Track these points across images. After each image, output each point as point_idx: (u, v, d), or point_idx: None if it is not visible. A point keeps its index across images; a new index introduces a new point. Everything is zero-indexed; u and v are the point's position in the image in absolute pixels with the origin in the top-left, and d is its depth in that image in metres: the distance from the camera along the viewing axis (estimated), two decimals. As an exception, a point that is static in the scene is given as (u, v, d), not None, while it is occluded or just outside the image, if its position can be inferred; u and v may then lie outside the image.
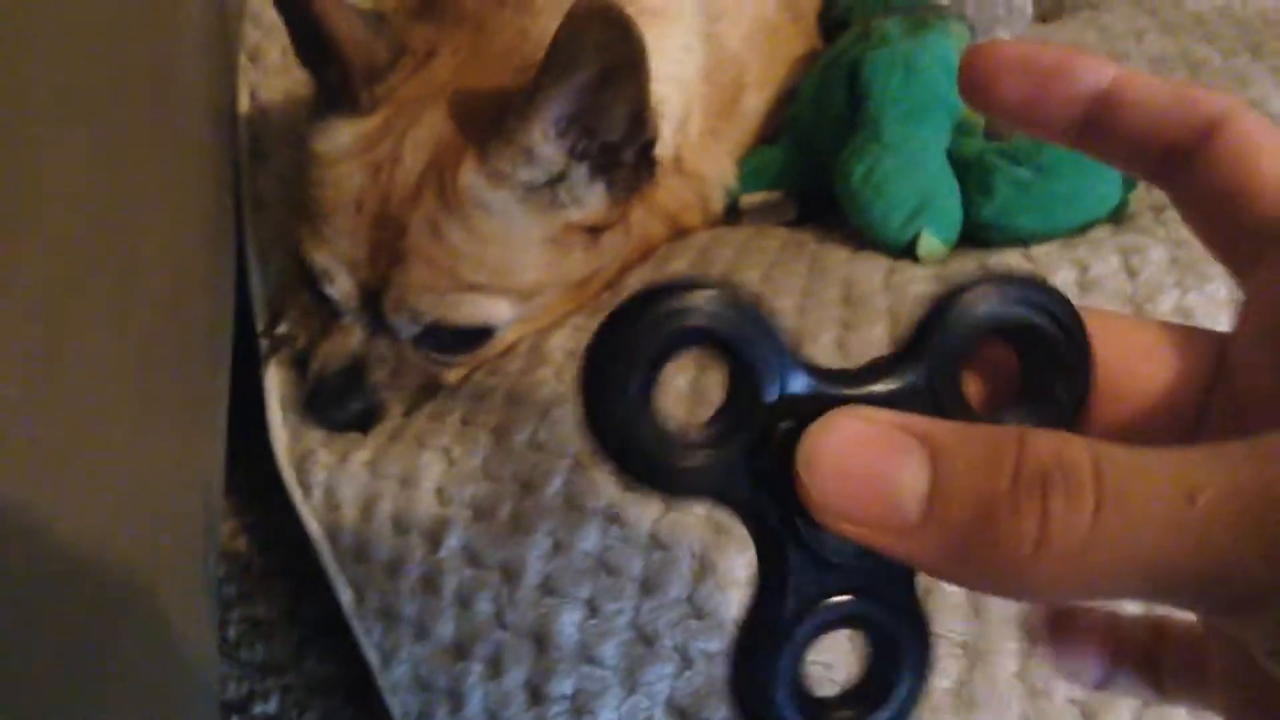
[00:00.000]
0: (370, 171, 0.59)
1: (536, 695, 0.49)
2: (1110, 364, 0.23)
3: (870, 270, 0.62)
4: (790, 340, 0.21)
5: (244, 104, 0.77)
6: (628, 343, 0.20)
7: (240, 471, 0.62)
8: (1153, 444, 0.18)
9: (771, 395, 0.21)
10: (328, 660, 0.59)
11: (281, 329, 0.65)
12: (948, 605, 0.47)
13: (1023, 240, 0.62)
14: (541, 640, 0.49)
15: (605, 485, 0.53)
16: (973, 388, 0.23)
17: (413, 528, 0.54)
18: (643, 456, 0.20)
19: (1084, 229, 0.62)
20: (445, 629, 0.51)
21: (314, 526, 0.57)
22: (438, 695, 0.51)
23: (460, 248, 0.58)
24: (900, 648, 0.22)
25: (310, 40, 0.60)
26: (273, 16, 0.60)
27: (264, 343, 0.66)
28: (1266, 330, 0.22)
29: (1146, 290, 0.57)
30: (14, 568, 0.39)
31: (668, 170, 0.67)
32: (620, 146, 0.58)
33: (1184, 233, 0.61)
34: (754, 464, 0.21)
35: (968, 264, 0.62)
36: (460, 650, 0.51)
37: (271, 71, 0.79)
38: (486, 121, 0.58)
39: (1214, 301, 0.56)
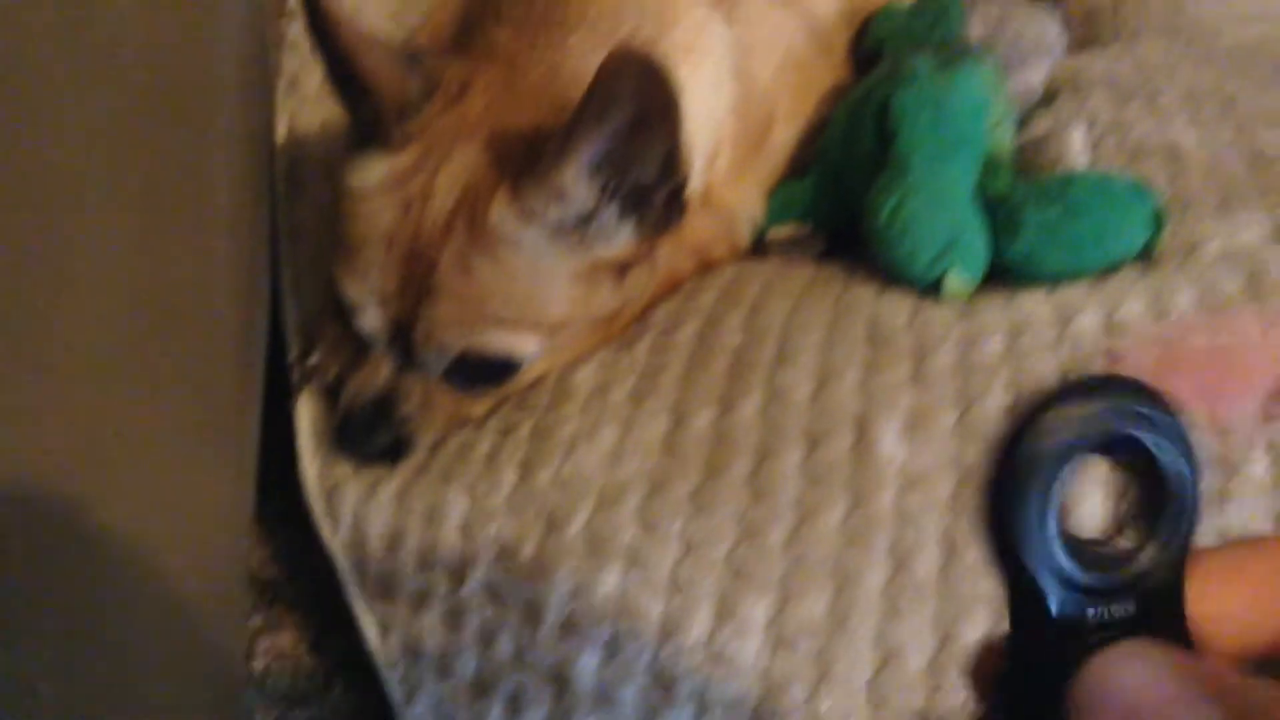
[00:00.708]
0: (402, 207, 0.60)
1: (555, 736, 0.49)
2: None
3: (896, 308, 0.62)
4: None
5: (282, 133, 0.79)
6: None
7: (271, 501, 0.63)
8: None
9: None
10: (353, 692, 0.60)
11: (313, 360, 0.66)
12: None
13: (1049, 280, 0.62)
14: (560, 681, 0.50)
15: (627, 525, 0.53)
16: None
17: (437, 563, 0.55)
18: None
19: (1111, 269, 0.62)
20: (466, 667, 0.52)
21: (341, 559, 0.58)
22: (459, 732, 0.52)
23: (489, 283, 0.59)
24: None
25: (344, 75, 0.61)
26: (310, 45, 0.62)
27: (296, 373, 0.67)
28: None
29: (1175, 332, 0.57)
30: (58, 585, 0.40)
31: (697, 205, 0.67)
32: (652, 188, 0.59)
33: (1213, 274, 0.61)
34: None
35: (994, 301, 0.62)
36: (481, 688, 0.51)
37: (309, 100, 0.80)
38: (518, 159, 0.59)
39: (1243, 348, 0.55)
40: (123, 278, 0.49)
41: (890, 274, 0.64)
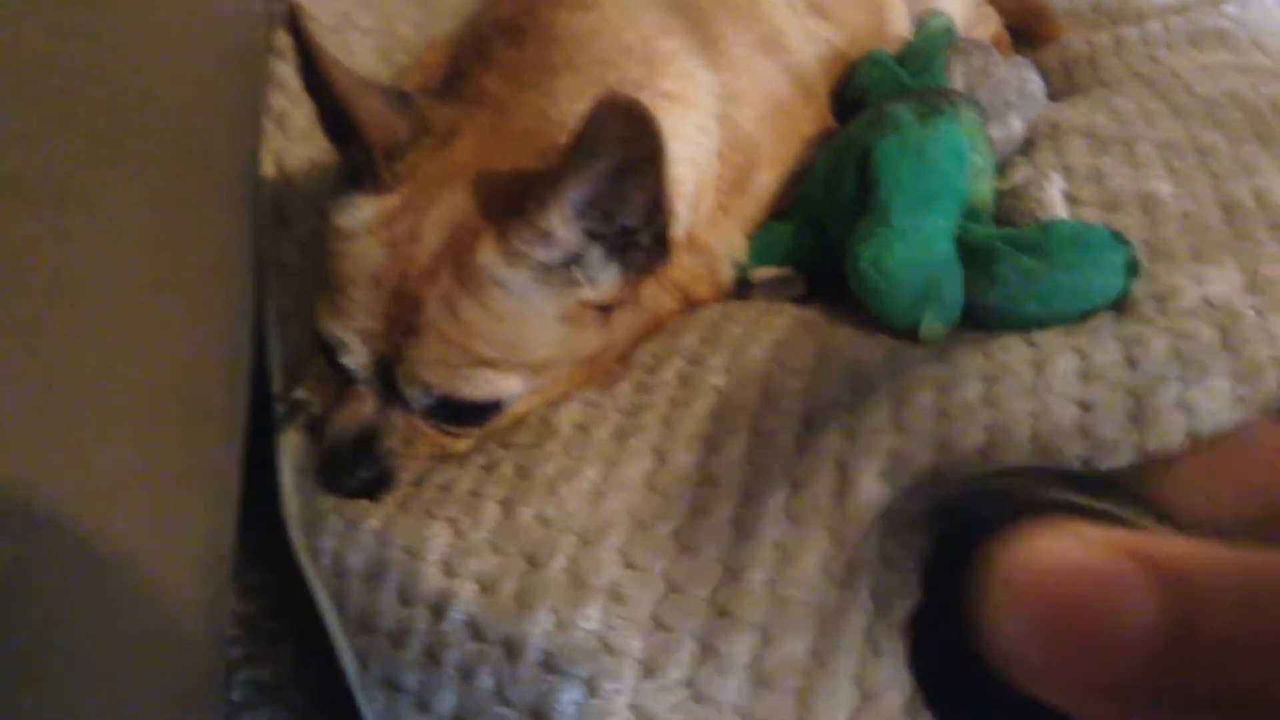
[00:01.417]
0: (389, 248, 0.60)
1: (534, 774, 0.49)
2: None
3: (875, 352, 0.63)
4: None
5: (269, 169, 0.79)
6: None
7: (251, 533, 0.63)
8: None
9: None
10: (330, 727, 0.59)
11: (298, 394, 0.67)
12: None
13: (1025, 326, 0.63)
14: (541, 718, 0.50)
15: (609, 563, 0.54)
16: None
17: (418, 599, 0.55)
18: None
19: (1085, 316, 0.63)
20: (446, 702, 0.52)
21: (321, 593, 0.58)
22: (438, 769, 0.52)
23: (475, 324, 0.59)
24: None
25: (334, 115, 0.62)
26: (299, 83, 0.62)
27: (280, 407, 0.67)
28: None
29: (1148, 382, 0.58)
30: (40, 616, 0.40)
31: (680, 246, 0.68)
32: (637, 230, 0.60)
33: (1186, 324, 0.63)
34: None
35: (971, 346, 0.63)
36: (460, 726, 0.51)
37: (297, 138, 0.81)
38: (505, 202, 0.60)
39: (1216, 396, 0.56)
40: (124, 317, 0.49)
41: (870, 316, 0.65)
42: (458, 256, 0.59)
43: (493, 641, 0.52)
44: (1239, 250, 0.66)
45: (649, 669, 0.50)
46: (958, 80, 0.80)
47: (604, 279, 0.61)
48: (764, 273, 0.73)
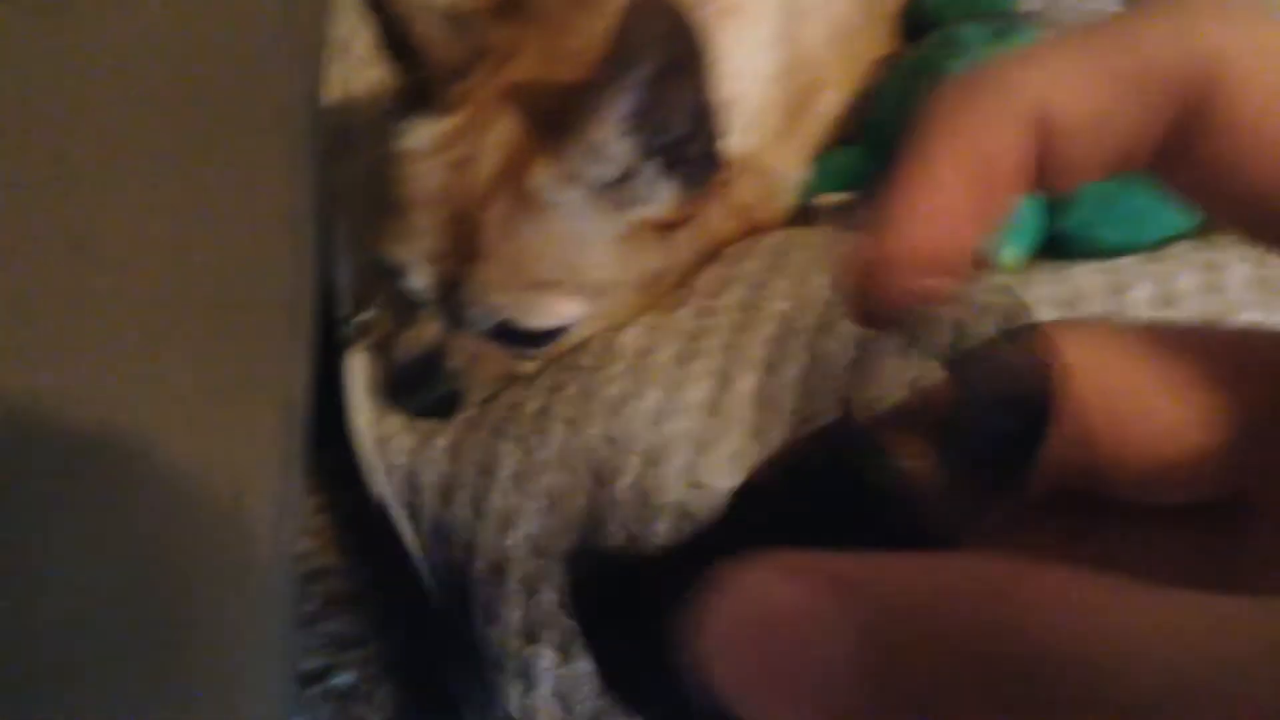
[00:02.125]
0: (449, 170, 0.60)
1: (602, 684, 0.50)
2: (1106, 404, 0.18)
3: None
4: None
5: (333, 94, 0.80)
6: None
7: (325, 452, 0.64)
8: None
9: None
10: (404, 636, 0.61)
11: (364, 316, 0.68)
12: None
13: (1104, 254, 0.62)
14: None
15: (675, 481, 0.54)
16: None
17: (488, 514, 0.56)
18: None
19: (1166, 243, 0.62)
20: (513, 615, 0.53)
21: (395, 507, 0.59)
22: (509, 677, 0.53)
23: (533, 246, 0.59)
24: None
25: (395, 39, 0.62)
26: (361, 7, 0.62)
27: (348, 329, 0.68)
28: None
29: (1227, 309, 0.56)
30: (111, 540, 0.42)
31: (741, 168, 0.67)
32: (687, 142, 0.59)
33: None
34: None
35: (1046, 274, 0.62)
36: (531, 635, 0.52)
37: (359, 63, 0.81)
38: (558, 121, 0.59)
39: (1297, 320, 0.55)
40: (178, 240, 0.50)
41: (938, 242, 0.64)
42: (514, 179, 0.59)
43: (557, 557, 0.53)
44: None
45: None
46: (1030, 2, 0.78)
47: (660, 196, 0.61)
48: (829, 199, 0.71)
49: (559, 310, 0.61)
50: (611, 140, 0.57)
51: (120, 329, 0.45)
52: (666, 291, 0.66)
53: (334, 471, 0.65)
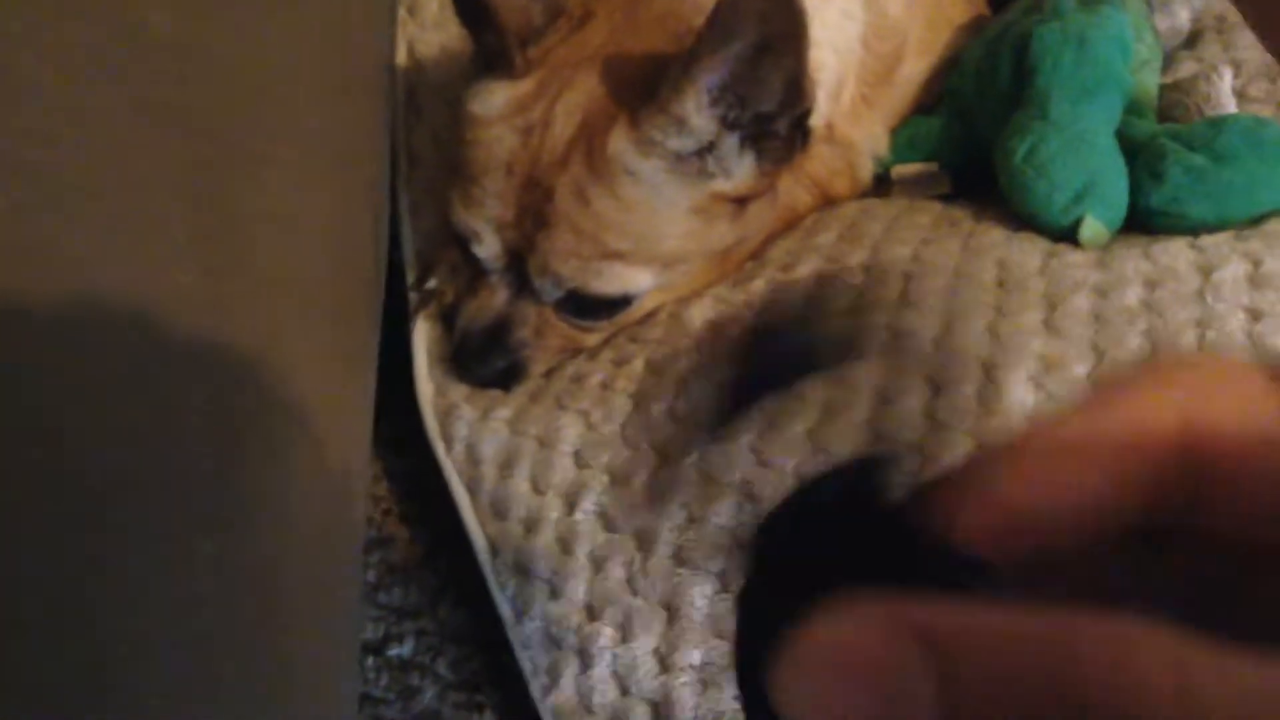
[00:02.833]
0: (522, 135, 0.59)
1: (665, 664, 0.50)
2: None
3: (1027, 253, 0.60)
4: None
5: (402, 57, 0.79)
6: None
7: (384, 421, 0.64)
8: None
9: None
10: (462, 608, 0.61)
11: (430, 284, 0.67)
12: None
13: (1192, 230, 0.59)
14: (671, 610, 0.50)
15: (740, 460, 0.53)
16: None
17: (550, 488, 0.55)
18: None
19: (1258, 220, 0.59)
20: (577, 590, 0.52)
21: (454, 479, 0.59)
22: (567, 653, 0.53)
23: (605, 215, 0.58)
24: None
25: (468, 1, 0.61)
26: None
27: (413, 297, 0.67)
28: None
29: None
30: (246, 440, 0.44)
31: (818, 138, 0.65)
32: (774, 117, 0.57)
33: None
34: None
35: (1132, 250, 0.60)
36: (591, 612, 0.52)
37: (429, 26, 0.80)
38: (638, 88, 0.58)
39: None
40: (315, 213, 0.53)
41: (1023, 218, 0.62)
42: (589, 145, 0.58)
43: (624, 533, 0.52)
44: None
45: (781, 567, 0.49)
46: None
47: (738, 170, 0.59)
48: (907, 169, 0.69)
49: (627, 280, 0.60)
50: (697, 113, 0.56)
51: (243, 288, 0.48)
52: (738, 264, 0.65)
53: (389, 441, 0.65)
